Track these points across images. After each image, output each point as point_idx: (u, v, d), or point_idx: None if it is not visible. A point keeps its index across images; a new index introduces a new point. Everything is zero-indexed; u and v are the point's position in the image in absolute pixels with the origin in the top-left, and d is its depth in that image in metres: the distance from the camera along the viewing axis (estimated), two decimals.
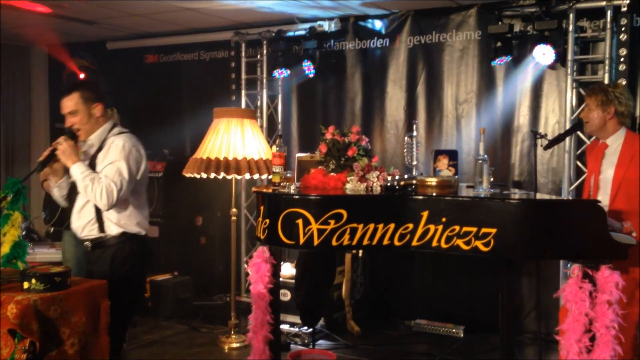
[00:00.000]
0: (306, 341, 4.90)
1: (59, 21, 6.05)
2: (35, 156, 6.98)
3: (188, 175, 4.93)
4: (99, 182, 3.12)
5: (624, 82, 4.48)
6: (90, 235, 3.28)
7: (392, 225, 3.12)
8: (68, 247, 4.49)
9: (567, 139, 4.69)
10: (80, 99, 3.22)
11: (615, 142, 3.53)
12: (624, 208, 3.40)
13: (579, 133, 4.79)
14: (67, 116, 3.25)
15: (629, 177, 3.42)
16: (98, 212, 3.23)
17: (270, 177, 3.99)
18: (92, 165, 3.20)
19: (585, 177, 3.91)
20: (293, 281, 5.11)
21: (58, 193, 3.39)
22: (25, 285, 2.98)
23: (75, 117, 3.23)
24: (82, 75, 6.96)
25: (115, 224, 3.24)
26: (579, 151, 4.90)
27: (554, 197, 4.38)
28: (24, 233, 4.07)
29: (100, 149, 3.25)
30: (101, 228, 3.24)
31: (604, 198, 3.49)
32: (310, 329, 4.92)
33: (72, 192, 3.34)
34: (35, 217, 7.22)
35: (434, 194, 3.21)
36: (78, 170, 3.15)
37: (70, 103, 3.22)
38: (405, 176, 3.47)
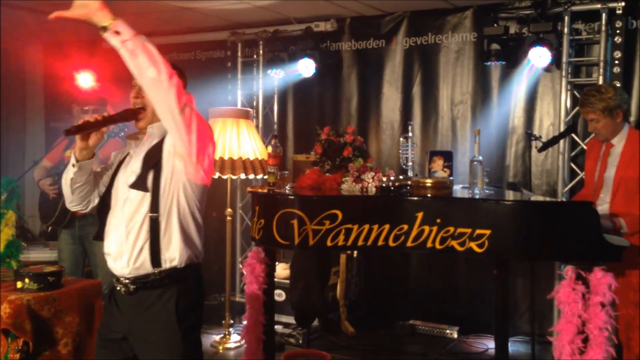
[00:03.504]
0: (301, 341, 4.90)
1: (54, 20, 6.03)
2: (30, 157, 6.95)
3: None
4: None
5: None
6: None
7: (387, 226, 3.12)
8: (64, 245, 4.41)
9: (562, 140, 4.71)
10: None
11: (620, 142, 3.57)
12: (622, 206, 3.45)
13: (573, 135, 4.81)
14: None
15: (628, 176, 3.45)
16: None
17: (265, 177, 3.98)
18: (151, 158, 2.49)
19: (585, 177, 3.91)
20: (288, 281, 5.11)
21: (74, 175, 2.49)
22: (19, 284, 2.98)
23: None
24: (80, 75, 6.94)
25: None
26: (574, 153, 4.92)
27: (547, 199, 4.39)
28: (17, 232, 4.06)
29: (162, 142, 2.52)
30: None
31: (606, 195, 3.55)
32: (305, 330, 4.92)
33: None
34: (30, 216, 7.19)
35: (429, 195, 3.21)
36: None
37: None
38: (401, 177, 3.47)
